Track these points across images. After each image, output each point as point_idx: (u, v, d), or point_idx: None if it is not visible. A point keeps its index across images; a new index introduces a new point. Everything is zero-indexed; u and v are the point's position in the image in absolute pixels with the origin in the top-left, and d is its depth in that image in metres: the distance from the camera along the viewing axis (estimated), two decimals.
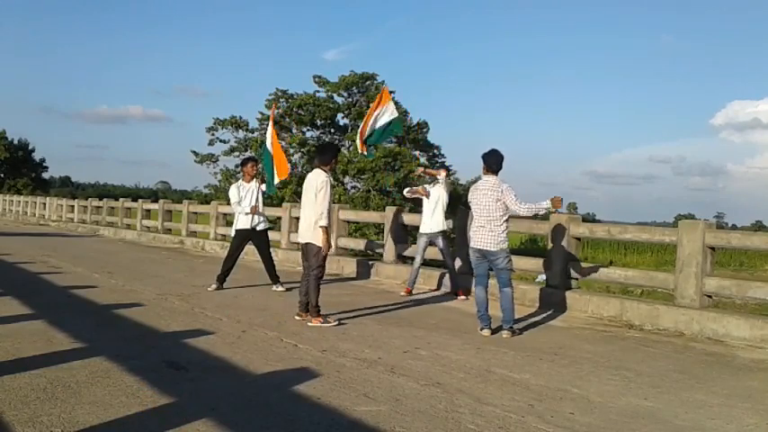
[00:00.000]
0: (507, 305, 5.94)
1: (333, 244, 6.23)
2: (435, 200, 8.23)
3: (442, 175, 8.48)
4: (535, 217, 6.55)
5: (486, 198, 5.83)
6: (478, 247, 5.92)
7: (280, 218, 13.28)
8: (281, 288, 8.29)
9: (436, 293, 8.67)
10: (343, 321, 6.28)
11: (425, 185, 8.52)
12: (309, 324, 6.02)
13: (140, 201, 19.42)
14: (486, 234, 5.86)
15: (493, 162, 5.91)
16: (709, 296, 6.63)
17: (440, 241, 8.25)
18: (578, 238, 7.71)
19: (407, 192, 8.63)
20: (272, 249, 8.80)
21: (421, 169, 9.58)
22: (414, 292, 8.43)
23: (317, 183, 6.09)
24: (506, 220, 5.88)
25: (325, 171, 6.17)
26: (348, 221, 11.76)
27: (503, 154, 5.97)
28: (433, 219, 8.23)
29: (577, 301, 7.22)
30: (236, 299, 7.56)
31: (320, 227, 6.07)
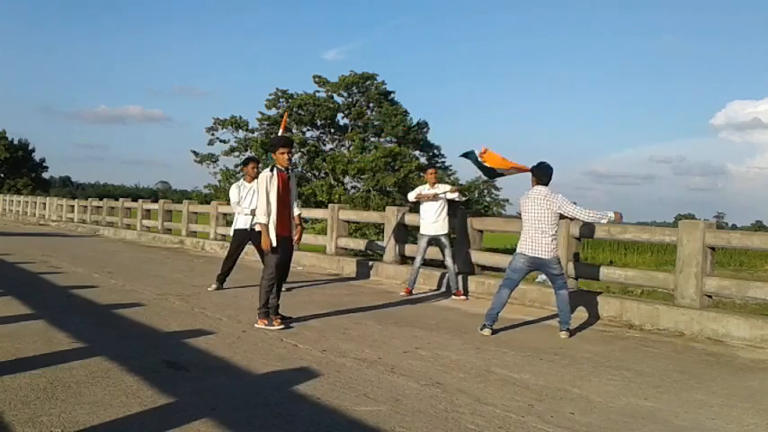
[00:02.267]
0: (565, 307, 6.09)
1: (273, 241, 5.84)
2: (440, 202, 8.17)
3: (452, 195, 8.23)
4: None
5: (540, 207, 5.99)
6: (532, 255, 5.99)
7: None
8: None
9: (436, 294, 8.67)
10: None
11: (426, 187, 8.37)
12: (256, 326, 5.86)
13: (140, 201, 19.41)
14: (540, 242, 5.96)
15: (544, 175, 6.12)
16: (710, 296, 6.62)
17: (443, 243, 8.21)
18: (578, 238, 7.70)
19: (414, 196, 8.41)
20: None
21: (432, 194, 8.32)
22: (414, 292, 8.42)
23: None
24: (557, 230, 6.11)
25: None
26: (348, 221, 11.76)
27: (552, 167, 6.15)
28: (437, 221, 8.17)
29: (577, 301, 7.20)
30: (236, 299, 7.56)
31: (258, 224, 5.92)
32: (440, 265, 9.02)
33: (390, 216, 10.00)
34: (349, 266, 10.55)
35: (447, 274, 8.56)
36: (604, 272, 7.51)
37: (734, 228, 79.47)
